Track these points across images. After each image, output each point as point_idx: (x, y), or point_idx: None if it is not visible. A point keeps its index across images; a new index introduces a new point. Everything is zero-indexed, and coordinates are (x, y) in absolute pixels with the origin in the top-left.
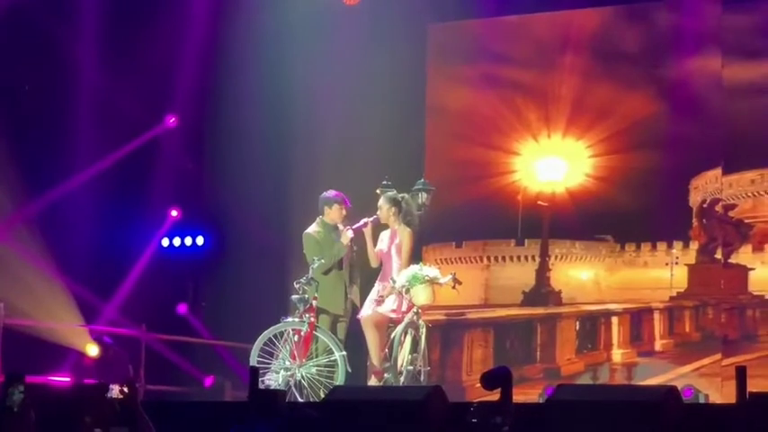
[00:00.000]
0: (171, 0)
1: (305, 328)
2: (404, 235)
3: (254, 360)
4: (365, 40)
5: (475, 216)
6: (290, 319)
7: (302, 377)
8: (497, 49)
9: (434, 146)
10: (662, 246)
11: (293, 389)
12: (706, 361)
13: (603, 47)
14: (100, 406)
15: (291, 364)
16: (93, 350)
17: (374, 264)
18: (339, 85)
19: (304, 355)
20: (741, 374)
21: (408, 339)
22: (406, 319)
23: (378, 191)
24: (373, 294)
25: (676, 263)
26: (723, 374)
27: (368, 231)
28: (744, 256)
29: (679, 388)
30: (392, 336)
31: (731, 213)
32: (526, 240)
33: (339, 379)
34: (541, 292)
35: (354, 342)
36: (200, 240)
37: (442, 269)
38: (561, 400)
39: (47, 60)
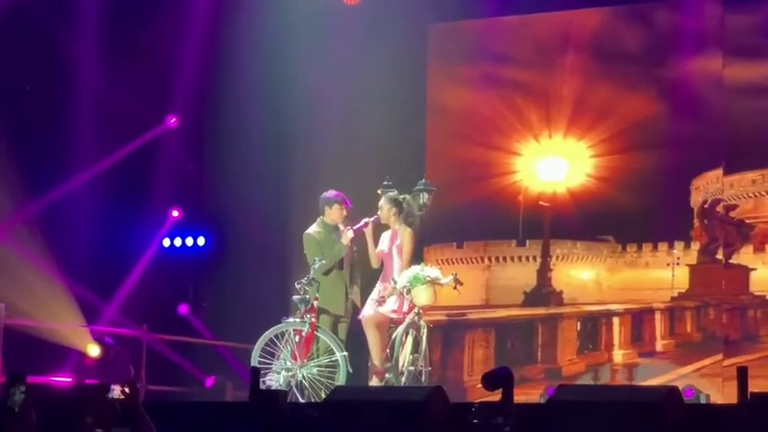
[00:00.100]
0: (172, 1)
1: (306, 329)
2: (405, 235)
3: (255, 360)
4: (366, 40)
5: (476, 216)
6: (291, 320)
7: (303, 377)
8: (498, 49)
9: (435, 146)
10: (663, 246)
11: (294, 389)
12: (707, 361)
13: (604, 47)
14: (101, 406)
15: (292, 364)
16: (94, 350)
17: (375, 264)
18: (340, 85)
19: (305, 355)
20: (742, 375)
21: (409, 340)
22: (408, 320)
23: (379, 191)
24: (374, 295)
25: (677, 263)
26: (724, 375)
27: (368, 232)
28: (745, 256)
29: (680, 388)
30: (393, 336)
31: (732, 214)
32: (527, 241)
33: (340, 379)
34: (542, 292)
35: (355, 342)
36: (201, 241)
37: (443, 270)
38: (562, 400)
39: (47, 60)
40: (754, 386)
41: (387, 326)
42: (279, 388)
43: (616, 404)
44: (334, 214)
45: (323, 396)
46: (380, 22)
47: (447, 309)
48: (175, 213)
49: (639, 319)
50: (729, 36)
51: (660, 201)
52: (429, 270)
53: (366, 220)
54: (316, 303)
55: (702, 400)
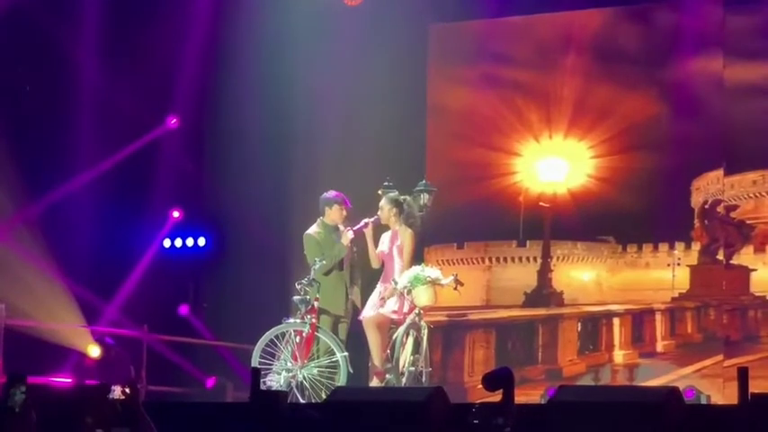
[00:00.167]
0: (172, 1)
1: (306, 329)
2: (405, 236)
3: (255, 361)
4: (366, 40)
5: (476, 217)
6: (291, 321)
7: (304, 378)
8: (498, 49)
9: (435, 146)
10: (663, 247)
11: (295, 390)
12: (708, 362)
13: (605, 48)
14: (101, 407)
15: (293, 365)
16: (94, 351)
17: (375, 265)
18: (340, 85)
19: (305, 356)
20: (743, 375)
21: (410, 340)
22: (408, 321)
23: (379, 192)
24: (375, 296)
25: (678, 264)
26: (725, 375)
27: (368, 232)
28: (745, 257)
29: (681, 389)
30: (394, 337)
31: (733, 214)
32: (528, 241)
33: (341, 380)
34: (543, 293)
35: (356, 343)
36: (201, 241)
37: (443, 270)
38: (563, 401)
39: (47, 61)
40: (755, 387)
41: (387, 326)
42: (279, 388)
43: (617, 405)
44: (334, 215)
45: (323, 397)
46: (381, 22)
47: (447, 309)
48: (176, 214)
49: (640, 320)
50: (730, 37)
51: (661, 201)
52: (429, 271)
53: (366, 220)
54: (316, 304)
55: (703, 401)
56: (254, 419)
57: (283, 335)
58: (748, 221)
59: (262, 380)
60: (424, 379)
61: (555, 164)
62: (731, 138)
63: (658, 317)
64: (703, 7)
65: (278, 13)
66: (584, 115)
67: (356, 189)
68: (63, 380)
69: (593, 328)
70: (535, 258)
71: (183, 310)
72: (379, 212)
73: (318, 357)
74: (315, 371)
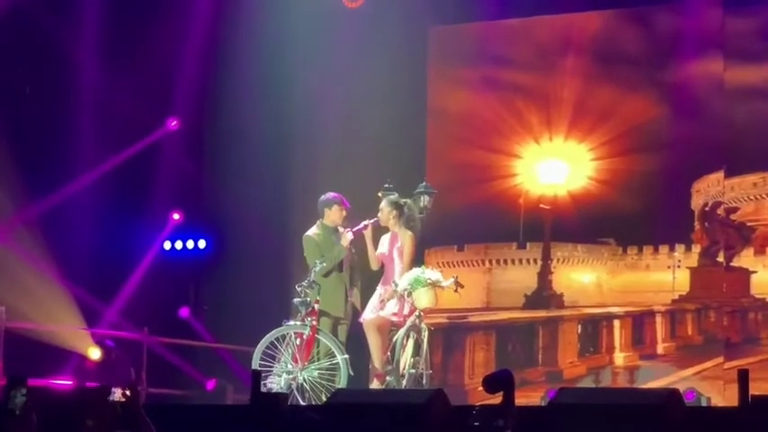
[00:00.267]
0: (172, 3)
1: (307, 332)
2: (405, 238)
3: (256, 363)
4: (366, 42)
5: (477, 219)
6: (291, 323)
7: (304, 380)
8: (498, 51)
9: (435, 149)
10: (664, 249)
11: (295, 392)
12: (708, 364)
13: (605, 50)
14: (102, 409)
15: (293, 367)
16: (95, 353)
17: (374, 266)
18: (340, 87)
19: (306, 358)
20: (743, 378)
21: (410, 342)
22: (409, 323)
23: (379, 194)
24: (375, 298)
25: (678, 266)
26: (725, 377)
27: (368, 234)
28: (746, 259)
29: (681, 391)
30: (394, 339)
31: (733, 216)
32: (528, 243)
33: (341, 382)
34: (543, 295)
35: (356, 345)
36: (201, 243)
37: (443, 272)
38: (563, 403)
39: (48, 62)
40: (755, 389)
41: (388, 329)
42: (280, 391)
43: (617, 407)
44: (333, 215)
45: (324, 399)
46: (381, 24)
47: (448, 311)
48: (176, 216)
49: (640, 322)
50: (730, 39)
51: (661, 203)
52: (430, 273)
53: (365, 222)
54: (316, 306)
55: (703, 403)
56: (254, 422)
57: (284, 337)
58: (749, 223)
59: (262, 382)
60: (424, 381)
61: (555, 166)
62: (731, 140)
63: (659, 319)
64: (703, 9)
65: (278, 14)
66: (584, 117)
67: (356, 191)
68: (63, 382)
69: (594, 330)
70: (535, 260)
71: (184, 312)
72: (379, 214)
73: (319, 359)
74: (315, 373)
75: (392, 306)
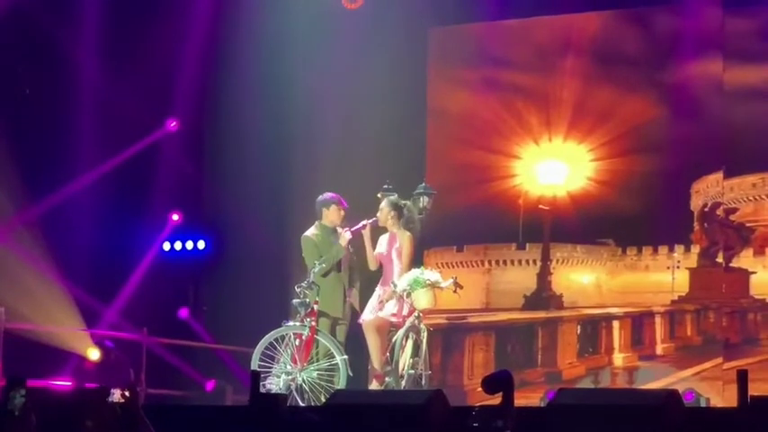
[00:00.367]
0: (172, 4)
1: (306, 332)
2: (404, 239)
3: (255, 364)
4: (366, 43)
5: (476, 220)
6: (291, 323)
7: (303, 381)
8: (498, 52)
9: (435, 149)
10: (663, 249)
11: (294, 393)
12: (707, 365)
13: (604, 50)
14: (101, 410)
15: (293, 368)
16: (94, 354)
17: (372, 266)
18: (340, 88)
19: (305, 359)
20: (742, 378)
21: (410, 343)
22: (408, 323)
23: (379, 195)
24: (374, 299)
25: (678, 267)
26: (724, 378)
27: (366, 233)
28: (745, 259)
29: (680, 392)
30: (393, 340)
31: (732, 217)
32: (527, 244)
33: (340, 383)
34: (543, 295)
35: (355, 346)
36: (201, 244)
37: (443, 273)
38: (562, 404)
39: (48, 62)
40: (755, 389)
41: (387, 329)
42: (279, 391)
43: (616, 407)
44: (331, 215)
45: (323, 400)
46: (381, 25)
47: (447, 312)
48: (175, 217)
49: (640, 323)
50: (729, 40)
51: (660, 204)
52: (429, 273)
53: (364, 222)
54: (316, 307)
55: (702, 404)
56: (253, 422)
57: (283, 338)
58: (748, 224)
59: (261, 383)
60: (423, 382)
61: (554, 167)
62: (731, 140)
63: (658, 320)
64: (702, 10)
65: (278, 15)
66: (583, 118)
67: (356, 192)
68: (62, 383)
69: (593, 330)
70: (535, 261)
71: (183, 313)
72: (378, 214)
73: (318, 360)
74: (314, 374)
75: (391, 307)
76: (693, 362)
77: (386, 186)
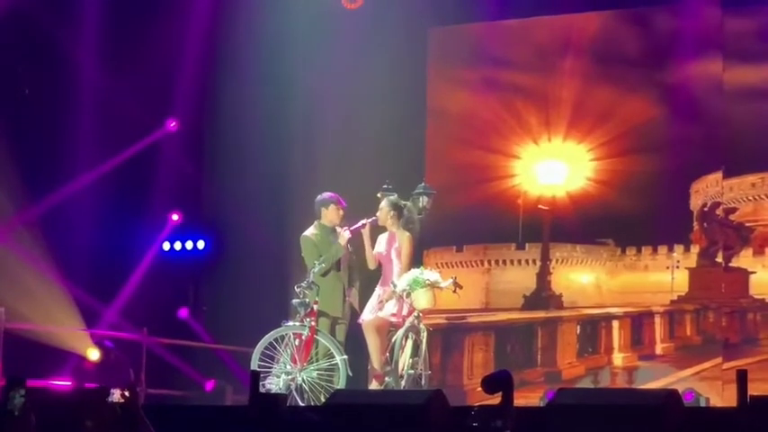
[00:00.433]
0: (172, 4)
1: (306, 332)
2: (403, 239)
3: (254, 364)
4: (366, 43)
5: (476, 220)
6: (290, 323)
7: (303, 381)
8: (498, 52)
9: (435, 149)
10: (663, 249)
11: (294, 393)
12: (707, 365)
13: (604, 50)
14: (101, 410)
15: (292, 367)
16: (94, 354)
17: (371, 266)
18: (339, 88)
19: (305, 358)
20: (742, 378)
21: (409, 343)
22: (407, 323)
23: (378, 195)
24: (374, 299)
25: (677, 266)
26: (724, 378)
27: (366, 232)
28: (744, 259)
29: (680, 391)
30: (393, 340)
31: (732, 217)
32: (527, 244)
33: (340, 383)
34: (542, 295)
35: (355, 345)
36: (200, 244)
37: (442, 273)
38: (562, 403)
39: (47, 62)
40: (754, 389)
41: (386, 329)
42: (278, 391)
43: (616, 407)
44: (330, 215)
45: (322, 399)
46: (380, 25)
47: (447, 312)
48: (175, 217)
49: (639, 323)
50: (729, 40)
51: (660, 204)
52: (429, 273)
53: (364, 220)
54: (315, 307)
55: (702, 404)
56: (253, 422)
57: (282, 338)
58: (747, 224)
59: (261, 383)
60: (423, 382)
61: (554, 167)
62: (730, 140)
63: (657, 319)
64: (702, 10)
65: (277, 16)
66: (583, 118)
67: (355, 192)
68: (62, 383)
69: (593, 330)
70: (534, 261)
71: (183, 313)
72: (378, 213)
73: (318, 360)
74: (314, 374)
75: (391, 307)
76: (693, 362)
77: (385, 186)
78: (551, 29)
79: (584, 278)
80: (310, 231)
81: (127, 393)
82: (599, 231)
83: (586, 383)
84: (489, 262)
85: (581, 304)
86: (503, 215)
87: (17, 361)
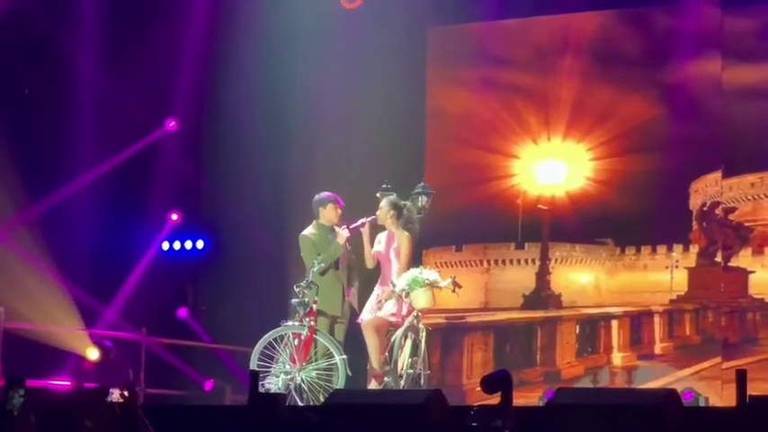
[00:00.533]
0: (172, 4)
1: (305, 332)
2: (402, 239)
3: (254, 364)
4: (365, 43)
5: (475, 219)
6: (290, 323)
7: (302, 381)
8: (497, 52)
9: (434, 149)
10: (662, 249)
11: (293, 392)
12: (706, 364)
13: (603, 50)
14: (100, 410)
15: (291, 367)
16: (93, 354)
17: (370, 265)
18: (339, 88)
19: (304, 358)
20: (741, 378)
21: (408, 343)
22: (407, 323)
23: (378, 194)
24: (373, 298)
25: (676, 266)
26: (723, 378)
27: (365, 231)
28: (744, 259)
29: (679, 391)
30: (392, 339)
31: (731, 216)
32: (526, 244)
33: (339, 382)
34: (541, 295)
35: (354, 345)
36: (200, 244)
37: (442, 272)
38: (561, 403)
39: (47, 62)
40: (753, 389)
41: (385, 329)
42: (278, 391)
43: (615, 407)
44: (328, 214)
45: (322, 399)
46: (380, 25)
47: (446, 312)
48: (174, 217)
49: (638, 322)
50: (728, 39)
51: (659, 204)
52: (428, 273)
53: (363, 219)
54: (314, 306)
55: (701, 403)
56: (252, 422)
57: (282, 337)
58: (746, 223)
59: (260, 382)
60: (422, 381)
61: (553, 166)
62: (729, 140)
63: (657, 319)
64: (701, 10)
65: (277, 16)
66: (582, 118)
67: (355, 192)
68: (62, 383)
69: (592, 330)
70: (533, 261)
71: (182, 312)
72: (377, 212)
73: (317, 360)
74: (313, 373)
75: (390, 306)
76: (692, 361)
77: (385, 186)
78: (551, 29)
79: (583, 278)
80: (309, 231)
81: (126, 393)
82: (598, 231)
83: (585, 383)
84: (488, 262)
85: (580, 304)
86: (502, 215)
87: (16, 361)
